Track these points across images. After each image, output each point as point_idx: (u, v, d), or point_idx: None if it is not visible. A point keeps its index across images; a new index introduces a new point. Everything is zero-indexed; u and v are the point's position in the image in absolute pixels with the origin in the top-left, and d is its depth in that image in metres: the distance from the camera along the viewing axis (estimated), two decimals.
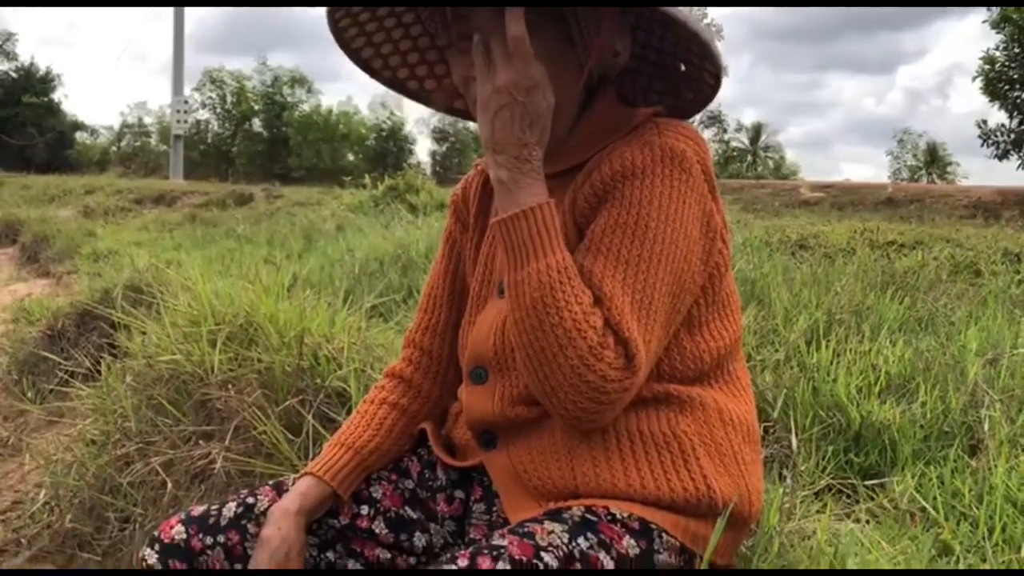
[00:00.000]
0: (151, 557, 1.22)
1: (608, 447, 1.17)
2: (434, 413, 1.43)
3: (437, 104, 1.43)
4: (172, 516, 1.26)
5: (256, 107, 40.22)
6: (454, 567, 1.02)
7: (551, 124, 1.15)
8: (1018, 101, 16.76)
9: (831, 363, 2.38)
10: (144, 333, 2.60)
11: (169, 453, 2.10)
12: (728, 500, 1.17)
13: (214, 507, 1.27)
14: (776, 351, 2.49)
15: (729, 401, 1.25)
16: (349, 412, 2.10)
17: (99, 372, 2.87)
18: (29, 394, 3.41)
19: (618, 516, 1.12)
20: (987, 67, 16.67)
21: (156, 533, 1.24)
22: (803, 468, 1.66)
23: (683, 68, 1.29)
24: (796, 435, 1.74)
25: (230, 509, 1.27)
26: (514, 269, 1.11)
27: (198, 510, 1.27)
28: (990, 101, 16.79)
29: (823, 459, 1.92)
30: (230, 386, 2.18)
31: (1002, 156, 17.00)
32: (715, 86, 1.25)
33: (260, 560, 1.19)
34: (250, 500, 1.28)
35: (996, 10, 16.38)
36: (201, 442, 2.08)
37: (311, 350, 2.22)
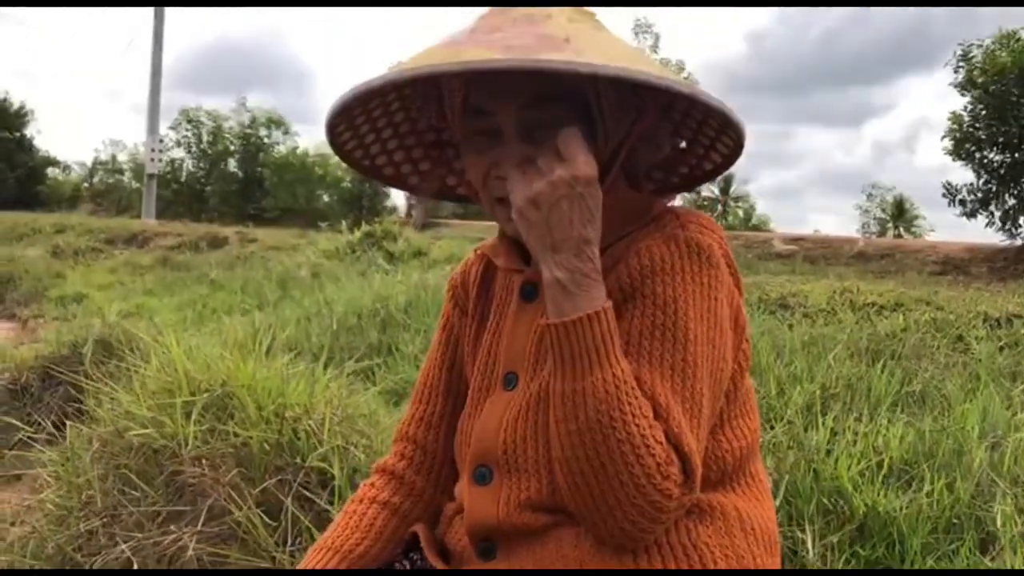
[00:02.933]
0: None
1: (623, 561, 1.07)
2: (427, 513, 1.32)
3: (422, 192, 1.35)
4: None
5: (232, 147, 40.03)
6: None
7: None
8: (984, 161, 17.02)
9: (828, 442, 2.30)
10: (113, 399, 2.47)
11: (137, 536, 1.96)
12: None
13: None
14: (772, 429, 2.41)
15: (751, 507, 1.17)
16: (331, 494, 1.98)
17: (64, 435, 2.73)
18: None
19: None
20: (954, 127, 16.95)
21: None
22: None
23: (683, 145, 1.23)
24: (811, 541, 1.65)
25: None
26: (571, 378, 1.02)
27: None
28: (954, 160, 17.04)
29: (828, 551, 1.84)
30: (204, 461, 2.06)
31: (971, 215, 17.21)
32: (723, 165, 1.20)
33: None
34: None
35: (962, 73, 16.69)
36: (172, 527, 1.94)
37: (290, 424, 2.11)
